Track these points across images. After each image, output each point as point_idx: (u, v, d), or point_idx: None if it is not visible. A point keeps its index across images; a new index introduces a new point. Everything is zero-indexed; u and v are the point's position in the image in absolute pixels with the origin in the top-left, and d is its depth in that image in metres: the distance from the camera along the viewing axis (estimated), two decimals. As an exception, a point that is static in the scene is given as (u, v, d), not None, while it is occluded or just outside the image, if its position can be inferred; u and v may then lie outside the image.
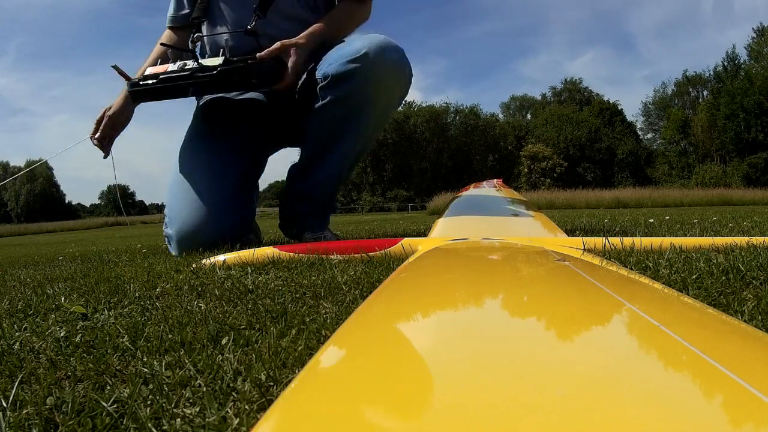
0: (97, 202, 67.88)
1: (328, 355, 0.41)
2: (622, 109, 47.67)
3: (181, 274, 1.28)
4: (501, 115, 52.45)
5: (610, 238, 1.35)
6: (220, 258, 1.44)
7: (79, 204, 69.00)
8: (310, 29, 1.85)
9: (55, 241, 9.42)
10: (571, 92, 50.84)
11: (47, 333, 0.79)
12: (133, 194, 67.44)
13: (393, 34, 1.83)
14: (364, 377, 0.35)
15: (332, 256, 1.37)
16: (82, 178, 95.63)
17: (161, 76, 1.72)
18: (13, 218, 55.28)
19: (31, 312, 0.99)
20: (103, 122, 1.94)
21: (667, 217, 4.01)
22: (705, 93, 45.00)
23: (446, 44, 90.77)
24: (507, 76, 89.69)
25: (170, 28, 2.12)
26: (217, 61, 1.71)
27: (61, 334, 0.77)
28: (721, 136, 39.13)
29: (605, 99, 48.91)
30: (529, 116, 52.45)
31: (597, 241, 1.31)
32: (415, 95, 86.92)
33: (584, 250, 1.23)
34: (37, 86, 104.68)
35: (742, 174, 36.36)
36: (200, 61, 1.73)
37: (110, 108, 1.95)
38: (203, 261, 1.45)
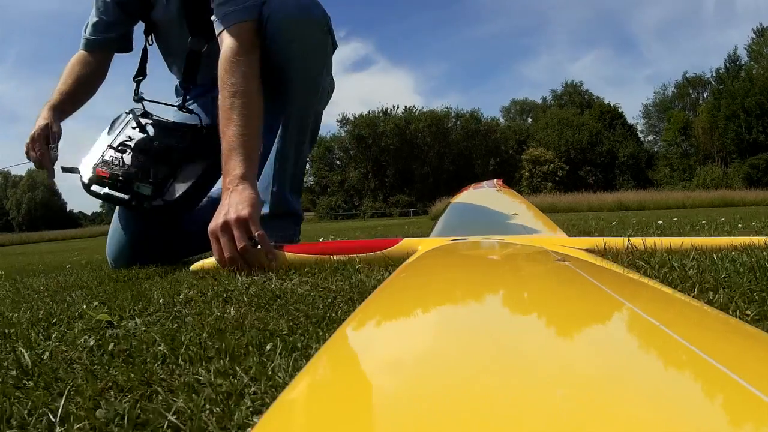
0: (99, 210, 67.91)
1: (329, 355, 0.41)
2: (622, 112, 47.80)
3: (204, 280, 1.26)
4: (502, 119, 52.57)
5: (631, 239, 1.35)
6: (212, 259, 1.44)
7: (80, 212, 69.03)
8: (232, 156, 1.51)
9: (58, 250, 9.35)
10: (571, 95, 50.89)
11: (77, 342, 0.77)
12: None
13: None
14: (364, 377, 0.35)
15: (333, 257, 1.37)
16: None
17: (105, 191, 1.76)
18: (14, 227, 55.29)
19: (54, 321, 0.96)
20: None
21: (675, 219, 4.00)
22: (705, 94, 45.06)
23: (446, 48, 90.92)
24: (507, 80, 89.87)
25: (87, 50, 1.95)
26: (147, 190, 1.75)
27: (91, 343, 0.75)
28: (722, 137, 39.12)
29: (606, 102, 49.02)
30: (529, 120, 52.50)
31: (597, 242, 1.32)
32: (416, 100, 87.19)
33: (584, 250, 1.23)
34: (38, 93, 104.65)
35: (743, 175, 36.33)
36: (136, 185, 1.75)
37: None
38: (196, 264, 1.47)
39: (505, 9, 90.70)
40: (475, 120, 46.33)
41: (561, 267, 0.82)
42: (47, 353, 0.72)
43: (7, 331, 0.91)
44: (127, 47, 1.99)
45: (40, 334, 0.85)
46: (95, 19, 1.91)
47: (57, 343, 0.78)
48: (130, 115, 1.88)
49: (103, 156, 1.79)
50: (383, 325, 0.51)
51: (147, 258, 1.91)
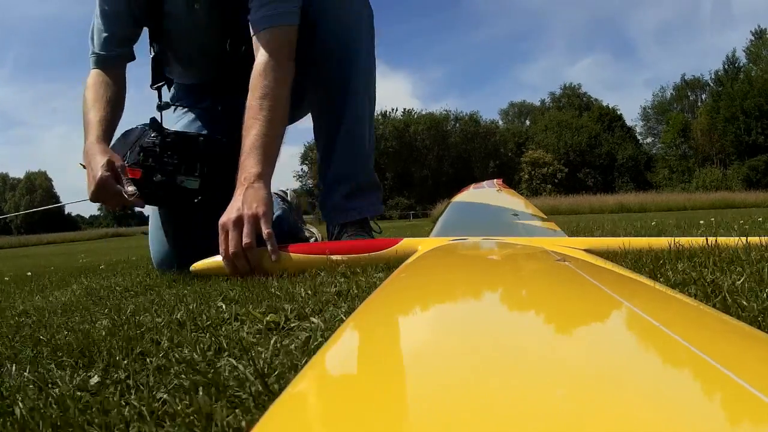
0: (96, 213, 67.72)
1: (329, 355, 0.41)
2: (621, 114, 47.96)
3: (332, 278, 1.20)
4: (500, 122, 52.63)
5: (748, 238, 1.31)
6: (220, 258, 1.43)
7: (78, 215, 68.91)
8: (246, 157, 1.51)
9: (59, 252, 9.25)
10: (570, 98, 51.04)
11: (288, 348, 0.68)
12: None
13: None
14: (364, 377, 0.35)
15: (333, 257, 1.38)
16: (81, 190, 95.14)
17: (145, 191, 1.59)
18: (12, 230, 55.12)
19: (208, 323, 0.86)
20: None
21: (712, 219, 3.88)
22: (703, 96, 45.22)
23: (444, 52, 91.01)
24: (505, 84, 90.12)
25: (101, 67, 1.78)
26: (195, 183, 1.62)
27: (292, 347, 0.66)
28: (721, 139, 39.31)
29: (604, 104, 49.10)
30: (527, 122, 52.57)
31: (598, 242, 1.33)
32: (414, 103, 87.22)
33: (584, 250, 1.24)
34: (36, 98, 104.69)
35: (742, 177, 36.50)
36: (179, 179, 1.62)
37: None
38: (196, 264, 1.47)
39: (503, 13, 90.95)
40: (474, 122, 46.52)
41: (561, 267, 0.82)
42: (261, 363, 0.61)
43: (156, 338, 0.81)
44: (133, 57, 1.87)
45: (210, 342, 0.74)
46: (105, 33, 1.75)
47: (261, 350, 0.67)
48: (146, 128, 1.71)
49: (126, 156, 1.61)
50: (383, 325, 0.51)
51: (193, 258, 1.79)
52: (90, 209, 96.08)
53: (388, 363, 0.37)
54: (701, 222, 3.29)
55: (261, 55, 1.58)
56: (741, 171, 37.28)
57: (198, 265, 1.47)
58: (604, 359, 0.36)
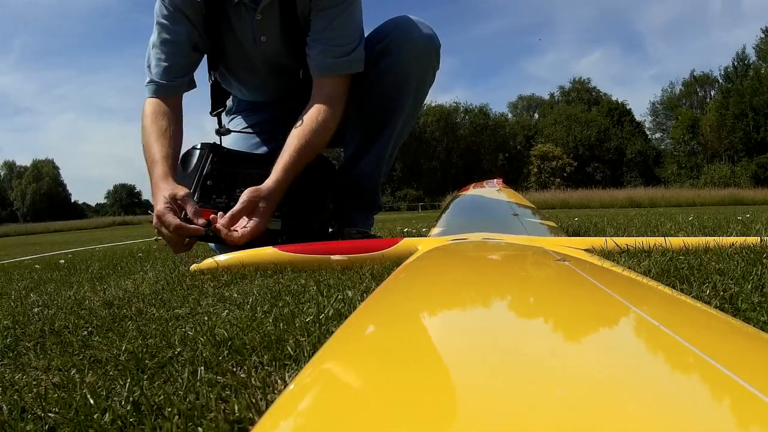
0: (103, 201, 67.91)
1: (329, 355, 0.41)
2: (630, 109, 47.85)
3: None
4: (509, 115, 52.54)
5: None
6: (220, 258, 1.47)
7: (84, 203, 69.00)
8: (277, 171, 1.54)
9: (70, 241, 9.18)
10: (579, 92, 50.89)
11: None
12: (139, 193, 67.49)
13: None
14: (363, 377, 0.35)
15: (333, 257, 1.39)
16: (88, 177, 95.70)
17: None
18: (19, 218, 55.26)
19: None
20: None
21: (740, 217, 3.84)
22: (713, 93, 45.04)
23: (453, 43, 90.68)
24: (513, 77, 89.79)
25: (160, 96, 1.71)
26: (277, 224, 1.58)
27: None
28: (729, 135, 39.16)
29: (613, 99, 48.95)
30: (536, 116, 52.46)
31: (598, 242, 1.35)
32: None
33: (584, 250, 1.26)
34: (42, 85, 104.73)
35: (750, 174, 36.42)
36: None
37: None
38: (202, 262, 1.49)
39: (512, 6, 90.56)
40: (484, 115, 46.54)
41: (561, 267, 0.83)
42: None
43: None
44: (194, 85, 1.81)
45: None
46: (166, 63, 1.69)
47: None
48: (206, 150, 1.65)
49: (196, 194, 1.53)
50: (383, 325, 0.52)
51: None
52: (96, 197, 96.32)
53: (388, 362, 0.38)
54: (739, 218, 3.24)
55: (323, 97, 1.66)
56: (749, 168, 37.18)
57: (198, 265, 1.50)
58: (603, 359, 0.37)
